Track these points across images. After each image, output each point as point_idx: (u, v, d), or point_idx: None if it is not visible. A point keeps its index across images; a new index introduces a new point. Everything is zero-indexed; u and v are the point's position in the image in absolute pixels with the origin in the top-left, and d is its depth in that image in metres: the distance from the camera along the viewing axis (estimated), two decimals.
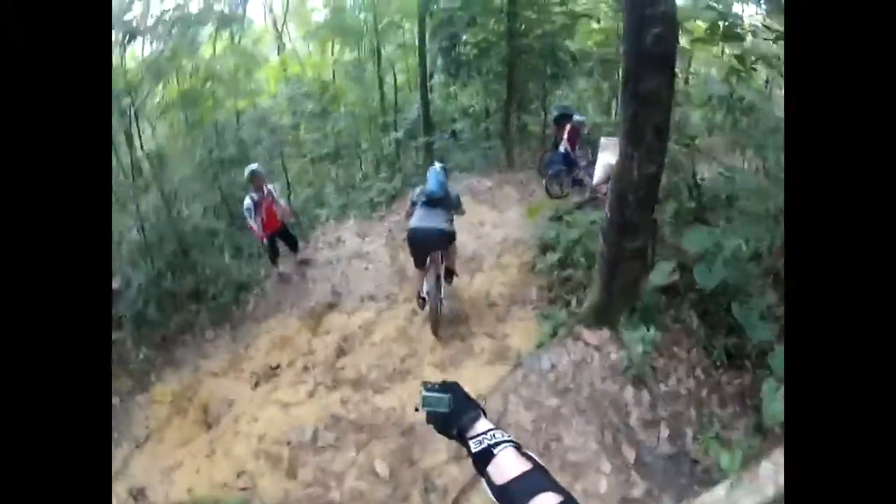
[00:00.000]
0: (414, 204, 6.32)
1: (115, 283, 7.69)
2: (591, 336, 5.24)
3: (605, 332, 5.23)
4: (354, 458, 4.79)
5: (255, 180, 8.05)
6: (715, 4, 5.71)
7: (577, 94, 15.89)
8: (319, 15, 17.29)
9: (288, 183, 10.78)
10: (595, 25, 15.62)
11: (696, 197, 6.32)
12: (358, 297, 7.93)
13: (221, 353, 7.48)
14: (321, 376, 6.09)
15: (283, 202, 8.64)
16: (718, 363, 4.91)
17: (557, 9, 12.83)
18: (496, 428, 1.33)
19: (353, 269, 8.88)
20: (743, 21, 5.88)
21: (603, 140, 4.93)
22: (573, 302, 6.04)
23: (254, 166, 8.42)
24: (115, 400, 6.77)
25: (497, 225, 9.48)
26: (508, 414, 4.73)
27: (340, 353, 6.50)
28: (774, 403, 3.99)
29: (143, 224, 8.23)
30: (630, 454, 4.26)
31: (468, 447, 1.31)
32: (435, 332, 6.28)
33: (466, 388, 1.71)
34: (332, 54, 18.17)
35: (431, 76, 14.66)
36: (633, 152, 4.57)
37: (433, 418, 1.43)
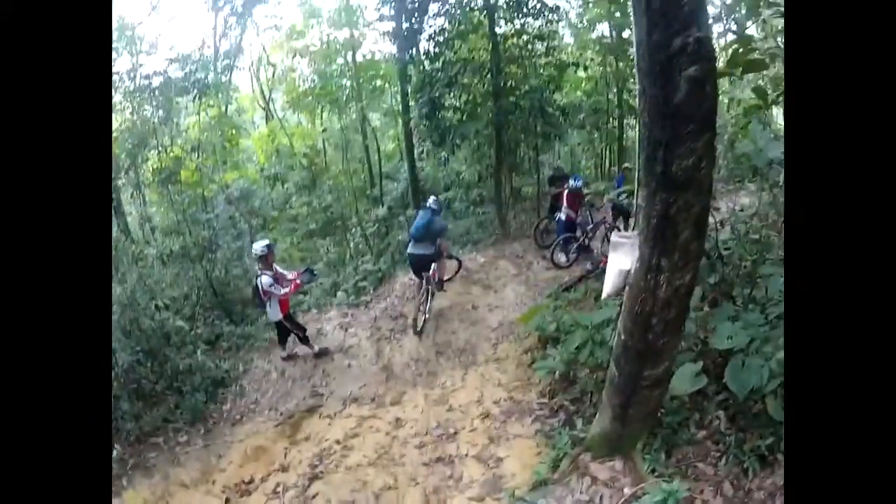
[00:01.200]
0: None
1: None
2: (600, 469, 4.37)
3: (618, 463, 4.36)
4: None
5: (269, 257, 7.63)
6: (733, 27, 4.83)
7: (570, 147, 15.44)
8: (306, 82, 16.86)
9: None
10: (582, 74, 15.62)
11: (720, 269, 5.41)
12: (340, 399, 7.21)
13: (193, 461, 6.67)
14: None
15: (290, 274, 8.00)
16: (750, 472, 4.01)
17: (543, 60, 12.51)
18: None
19: (335, 366, 8.16)
20: (756, 44, 4.65)
21: (614, 238, 3.75)
22: (578, 421, 5.15)
23: (266, 241, 7.82)
24: None
25: (493, 307, 8.79)
26: None
27: (314, 476, 5.68)
28: None
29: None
30: None
31: None
32: (415, 332, 8.21)
33: None
34: (321, 122, 17.68)
35: (422, 142, 14.16)
36: (661, 261, 3.22)
37: None
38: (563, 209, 9.85)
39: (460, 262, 10.03)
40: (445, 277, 9.47)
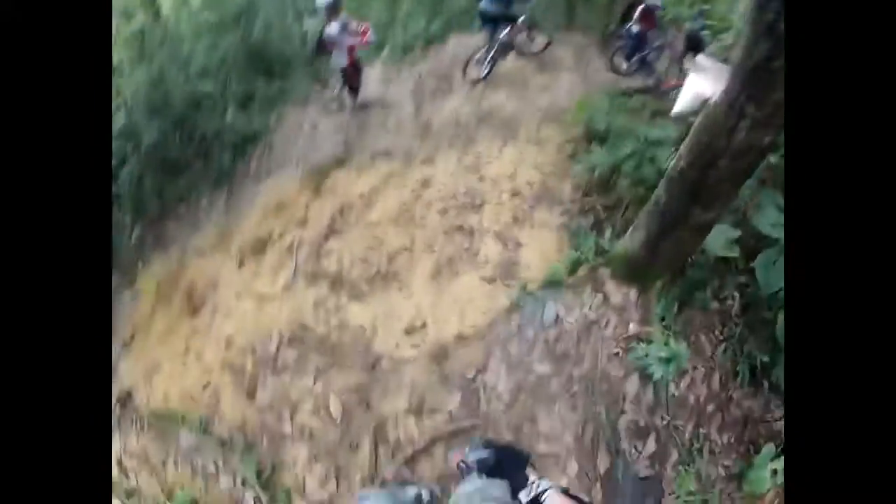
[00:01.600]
0: None
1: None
2: (614, 291, 4.26)
3: (633, 292, 4.23)
4: (311, 388, 4.24)
5: (336, 4, 7.21)
6: None
7: None
8: None
9: None
10: None
11: None
12: (371, 153, 7.01)
13: (212, 225, 6.71)
14: (304, 261, 5.35)
15: (359, 25, 7.59)
16: (739, 377, 4.01)
17: None
18: (540, 477, 1.65)
19: (371, 119, 7.88)
20: None
21: (701, 59, 3.27)
22: (607, 229, 4.86)
23: None
24: None
25: (543, 89, 8.20)
26: (487, 374, 3.95)
27: (331, 230, 5.64)
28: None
29: (129, 101, 7.05)
30: (603, 463, 3.64)
31: (518, 500, 1.60)
32: (463, 74, 8.30)
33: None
34: None
35: None
36: (747, 106, 2.87)
37: (480, 466, 1.80)
38: (635, 20, 9.17)
39: (549, 41, 9.44)
40: (534, 51, 9.17)
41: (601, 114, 6.26)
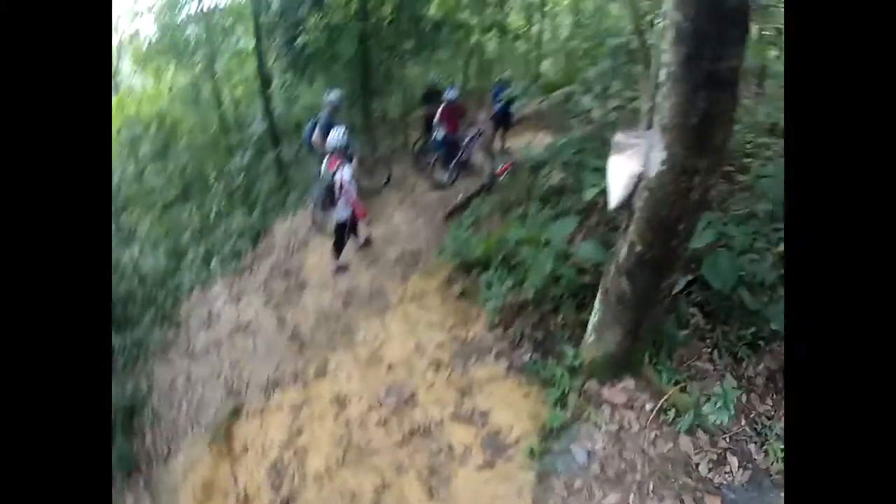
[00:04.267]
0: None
1: None
2: (614, 393, 4.10)
3: (630, 382, 4.13)
4: None
5: (348, 146, 7.09)
6: None
7: (435, 64, 14.25)
8: (150, 41, 14.46)
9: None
10: None
11: None
12: (259, 389, 5.98)
13: None
14: None
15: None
16: (743, 360, 4.16)
17: None
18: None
19: (238, 350, 6.85)
20: None
21: (618, 137, 3.17)
22: (557, 347, 4.62)
23: (343, 127, 7.03)
24: None
25: (387, 241, 7.97)
26: None
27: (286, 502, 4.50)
28: None
29: None
30: None
31: None
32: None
33: None
34: (168, 80, 15.19)
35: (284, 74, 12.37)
36: (697, 164, 2.99)
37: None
38: (438, 126, 9.11)
39: (389, 172, 9.55)
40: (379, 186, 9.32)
41: (469, 243, 6.17)
